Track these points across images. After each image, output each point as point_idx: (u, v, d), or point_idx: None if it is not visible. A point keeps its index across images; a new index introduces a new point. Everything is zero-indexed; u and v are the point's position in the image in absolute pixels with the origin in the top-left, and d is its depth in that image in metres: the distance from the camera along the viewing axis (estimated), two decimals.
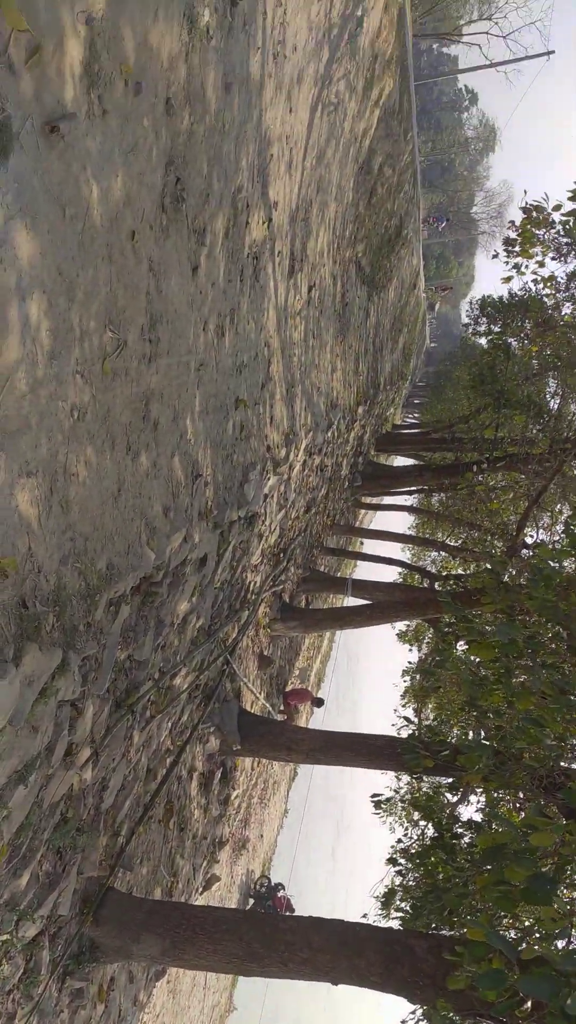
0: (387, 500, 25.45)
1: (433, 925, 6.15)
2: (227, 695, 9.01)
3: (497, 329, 18.63)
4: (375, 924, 6.86)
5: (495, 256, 13.09)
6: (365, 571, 23.33)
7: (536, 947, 5.69)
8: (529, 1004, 4.21)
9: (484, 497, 17.51)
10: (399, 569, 20.46)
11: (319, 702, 14.25)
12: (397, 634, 20.24)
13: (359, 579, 14.83)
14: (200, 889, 9.15)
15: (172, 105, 4.73)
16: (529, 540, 14.19)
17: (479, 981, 2.99)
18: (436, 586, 15.58)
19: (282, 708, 12.83)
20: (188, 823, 8.20)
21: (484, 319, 20.54)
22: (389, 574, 21.21)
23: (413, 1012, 8.08)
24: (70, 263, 3.72)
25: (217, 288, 6.14)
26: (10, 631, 3.40)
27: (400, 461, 30.24)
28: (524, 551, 13.17)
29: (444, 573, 19.55)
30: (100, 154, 3.91)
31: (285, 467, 9.55)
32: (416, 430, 33.21)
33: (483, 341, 21.48)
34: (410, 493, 24.03)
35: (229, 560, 7.69)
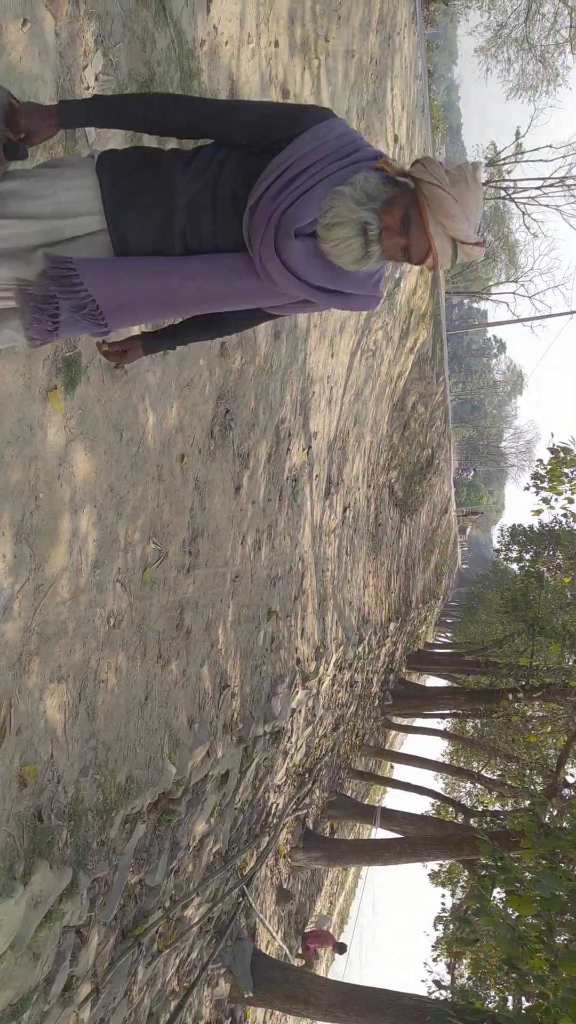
0: (419, 722, 24.60)
1: None
2: (241, 932, 8.29)
3: (529, 556, 18.95)
4: None
5: (527, 488, 13.67)
6: (395, 797, 22.11)
7: None
8: None
9: (521, 727, 16.87)
10: (431, 799, 19.36)
11: (342, 948, 12.95)
12: (429, 874, 18.71)
13: (389, 808, 14.02)
14: None
15: (226, 348, 5.29)
16: (570, 779, 13.47)
17: None
18: (472, 822, 14.62)
19: (300, 951, 11.67)
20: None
21: (515, 546, 20.98)
22: (420, 804, 20.04)
23: None
24: (122, 481, 4.02)
25: (257, 506, 6.47)
26: (22, 845, 3.27)
27: (432, 681, 29.61)
28: (565, 790, 12.47)
29: (480, 808, 18.42)
30: (159, 387, 4.35)
31: (314, 681, 9.44)
32: (449, 650, 32.78)
33: (515, 567, 21.78)
34: (443, 716, 23.25)
35: (252, 778, 7.41)
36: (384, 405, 14.08)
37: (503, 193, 37.63)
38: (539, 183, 35.77)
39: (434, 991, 11.40)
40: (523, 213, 37.63)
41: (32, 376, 3.18)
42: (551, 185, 35.18)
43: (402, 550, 21.74)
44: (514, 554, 20.65)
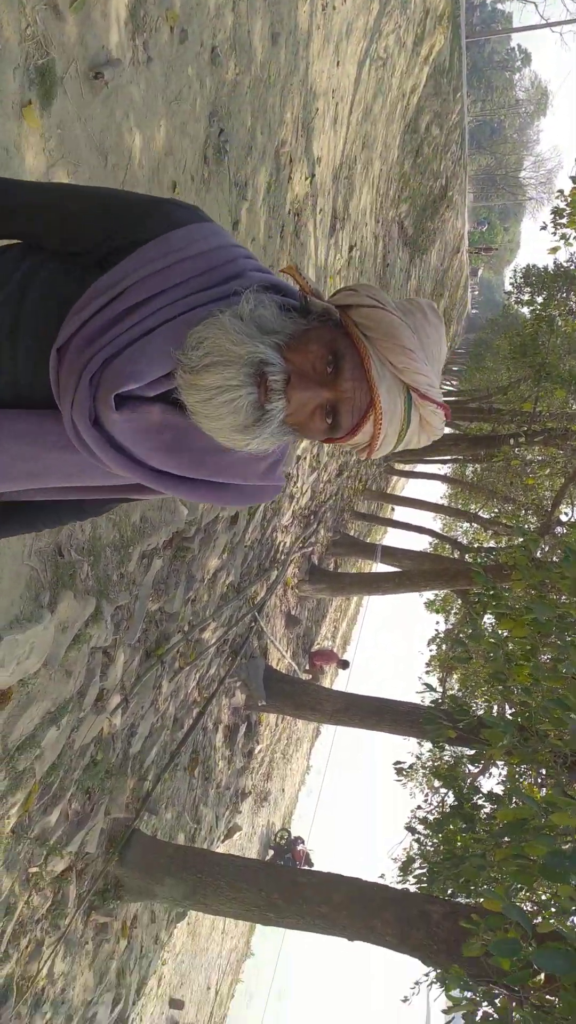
0: (420, 468, 25.30)
1: (449, 892, 6.24)
2: (254, 652, 9.14)
3: (540, 300, 18.24)
4: (392, 887, 6.99)
5: (543, 228, 12.78)
6: (395, 538, 23.32)
7: (552, 921, 5.77)
8: (542, 977, 4.28)
9: (520, 471, 17.31)
10: (430, 539, 20.39)
11: (345, 664, 14.39)
12: (425, 603, 20.25)
13: (389, 546, 14.84)
14: (222, 838, 9.39)
15: (218, 54, 4.67)
16: (564, 518, 14.04)
17: (494, 949, 3.04)
18: (467, 558, 15.53)
19: (307, 668, 12.98)
20: (212, 773, 8.39)
21: (528, 288, 20.12)
22: (419, 543, 21.18)
23: (427, 974, 8.25)
24: None
25: (257, 244, 6.09)
26: (46, 578, 3.48)
27: None
28: (558, 529, 13.04)
29: (476, 545, 19.45)
30: (144, 102, 3.89)
31: None
32: (454, 398, 32.84)
33: (525, 311, 21.06)
34: (444, 462, 23.81)
35: (260, 520, 7.75)
36: (395, 126, 12.78)
37: None
38: None
39: (424, 692, 12.78)
40: None
41: (2, 90, 2.83)
42: None
43: (411, 293, 20.95)
44: (526, 297, 19.88)
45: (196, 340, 1.07)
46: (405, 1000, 9.16)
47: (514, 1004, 4.45)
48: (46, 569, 3.44)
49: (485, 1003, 4.63)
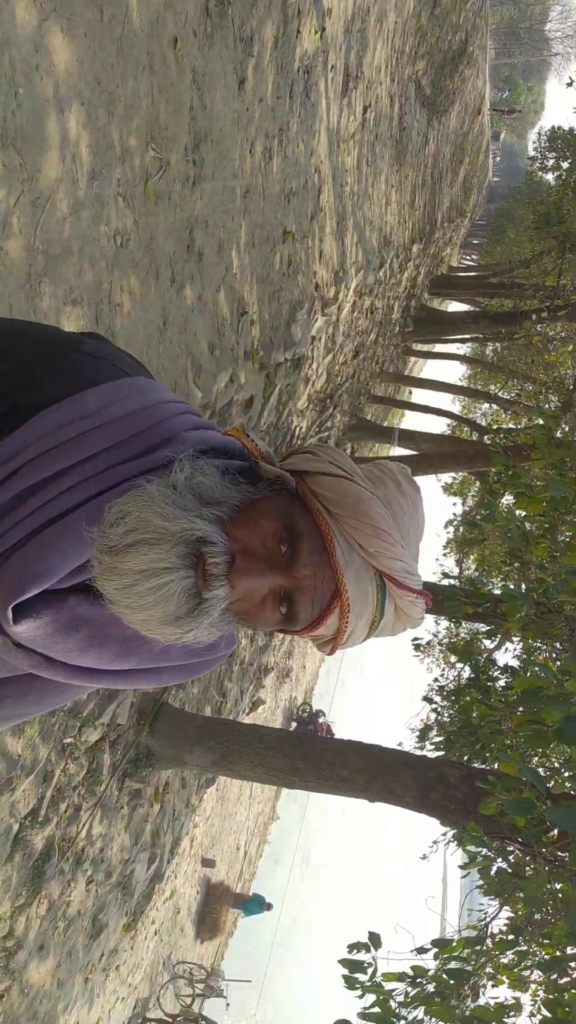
0: (439, 348, 24.75)
1: (465, 758, 6.50)
2: None
3: (566, 166, 17.24)
4: (410, 752, 7.31)
5: (570, 85, 11.92)
6: (413, 421, 23.10)
7: (566, 783, 6.03)
8: (555, 833, 4.49)
9: (541, 349, 16.90)
10: (448, 421, 20.18)
11: None
12: (442, 486, 20.26)
13: (407, 429, 14.71)
14: (247, 710, 9.82)
15: None
16: None
17: (509, 807, 3.17)
18: (486, 439, 15.40)
19: None
20: (236, 650, 8.68)
21: (552, 153, 19.00)
22: (438, 425, 20.99)
23: (444, 834, 8.74)
24: (109, 72, 3.50)
25: (265, 105, 5.74)
26: None
27: (455, 307, 29.12)
28: None
29: (495, 427, 19.24)
30: None
31: (334, 308, 9.28)
32: (473, 273, 31.66)
33: (550, 177, 19.96)
34: (463, 341, 23.24)
35: (275, 403, 7.66)
36: None
37: None
38: None
39: (442, 577, 13.00)
40: None
41: None
42: None
43: (428, 160, 19.86)
44: (550, 162, 18.81)
45: (117, 514, 0.87)
46: (424, 858, 9.77)
47: (527, 859, 4.73)
48: None
49: (500, 859, 4.91)
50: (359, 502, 0.95)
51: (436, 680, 11.82)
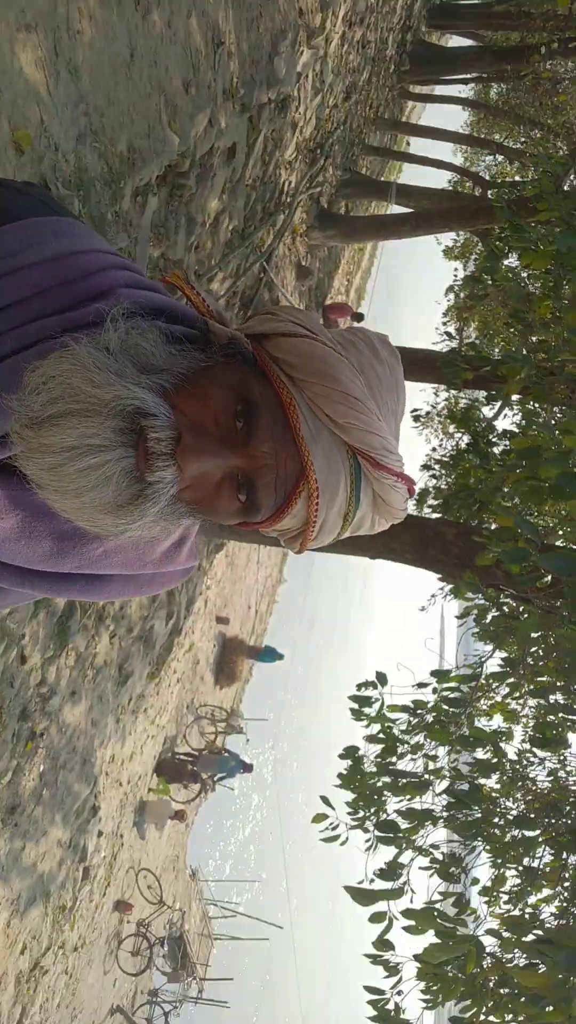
0: (439, 90, 22.46)
1: (462, 519, 6.73)
2: (265, 305, 8.96)
3: None
4: (410, 513, 7.53)
5: None
6: (411, 174, 21.53)
7: (560, 532, 6.26)
8: (548, 578, 4.72)
9: (550, 89, 15.40)
10: (449, 176, 18.82)
11: (359, 317, 14.17)
12: (443, 250, 19.30)
13: (404, 184, 13.73)
14: None
15: None
16: None
17: (504, 556, 3.30)
18: (489, 194, 14.40)
19: (321, 323, 12.82)
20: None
21: None
22: (438, 180, 19.60)
23: (442, 588, 9.25)
24: None
25: None
26: None
27: (456, 41, 26.05)
28: None
29: (499, 180, 17.98)
30: None
31: (321, 39, 8.28)
32: (477, 0, 27.94)
33: None
34: (465, 82, 21.09)
35: (260, 153, 7.07)
36: None
37: None
38: None
39: (443, 340, 12.73)
40: None
41: None
42: None
43: None
44: None
45: (39, 379, 0.73)
46: (422, 609, 10.48)
47: (520, 607, 5.04)
48: None
49: (494, 609, 5.24)
50: (325, 365, 0.80)
51: (434, 449, 12.00)
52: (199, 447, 0.75)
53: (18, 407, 0.72)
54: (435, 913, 2.89)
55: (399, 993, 3.30)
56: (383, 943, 3.31)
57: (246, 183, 6.87)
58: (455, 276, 17.46)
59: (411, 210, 12.65)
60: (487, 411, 9.68)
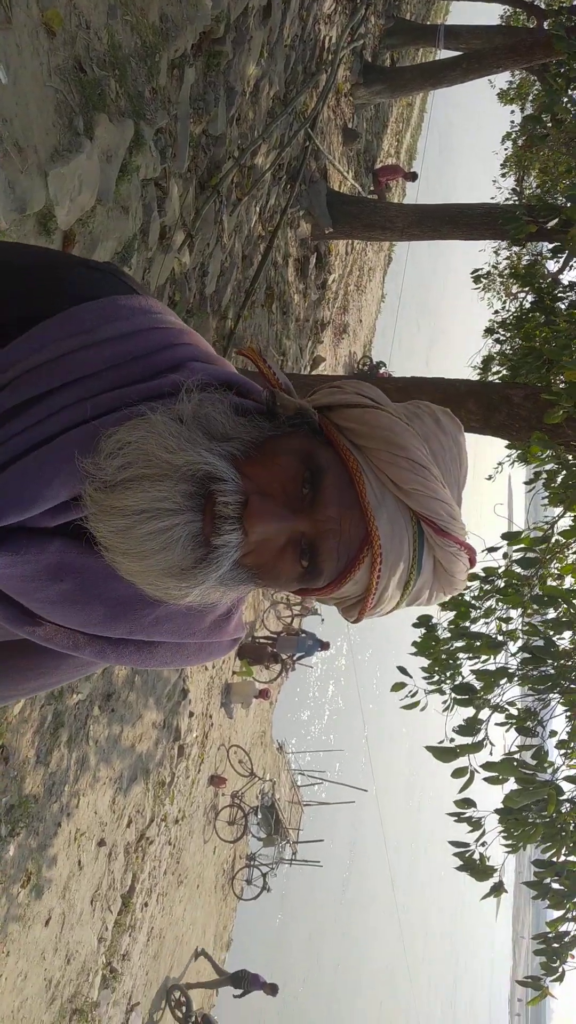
0: None
1: (531, 383, 6.56)
2: (313, 175, 8.59)
3: None
4: (474, 380, 7.38)
5: None
6: (459, 15, 19.77)
7: None
8: None
9: None
10: (500, 10, 17.22)
11: (413, 176, 13.44)
12: (498, 94, 17.92)
13: (452, 25, 12.65)
14: (308, 367, 9.98)
15: None
16: None
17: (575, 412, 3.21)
18: (546, 24, 13.16)
19: (372, 188, 12.23)
20: (290, 308, 8.58)
21: None
22: (489, 16, 17.95)
23: (509, 455, 9.12)
24: None
25: None
26: (75, 100, 3.18)
27: None
28: None
29: (556, 7, 16.35)
30: None
31: None
32: None
33: None
34: None
35: (297, 8, 6.61)
36: None
37: None
38: None
39: (506, 199, 12.03)
40: None
41: None
42: None
43: None
44: None
45: (115, 445, 0.76)
46: (489, 478, 10.41)
47: None
48: (71, 90, 3.13)
49: (563, 471, 5.16)
50: (391, 432, 0.81)
51: (497, 312, 11.56)
52: (265, 511, 0.77)
53: (93, 470, 0.76)
54: (515, 762, 3.05)
55: (483, 844, 3.54)
56: (464, 801, 3.52)
57: (284, 43, 6.47)
58: (512, 122, 16.29)
59: (461, 52, 11.71)
60: (551, 265, 9.23)
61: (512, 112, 16.03)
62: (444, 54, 12.31)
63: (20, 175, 2.72)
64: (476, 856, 3.49)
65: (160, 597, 0.79)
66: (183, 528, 0.75)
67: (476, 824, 3.52)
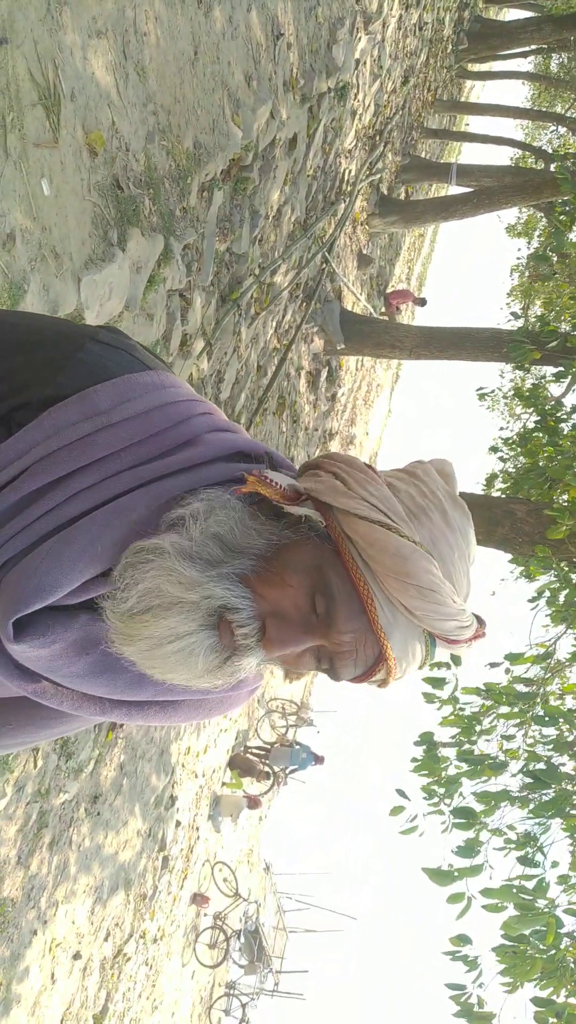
0: (497, 67, 22.00)
1: (533, 499, 6.65)
2: (328, 295, 8.98)
3: None
4: (476, 494, 7.48)
5: None
6: (472, 155, 21.17)
7: None
8: None
9: None
10: (510, 153, 18.46)
11: (422, 302, 14.05)
12: (505, 228, 18.96)
13: (465, 164, 13.53)
14: None
15: None
16: None
17: None
18: (552, 167, 14.06)
19: (383, 309, 12.76)
20: (299, 417, 8.80)
21: None
22: (499, 157, 19.20)
23: (512, 570, 9.12)
24: None
25: None
26: (111, 214, 3.37)
27: (514, 14, 25.43)
28: None
29: (563, 152, 17.54)
30: None
31: (378, 24, 8.24)
32: None
33: None
34: (525, 56, 20.60)
35: (321, 142, 7.09)
36: None
37: None
38: None
39: (510, 321, 12.52)
40: None
41: None
42: None
43: None
44: None
45: (129, 581, 0.81)
46: (493, 594, 10.37)
47: None
48: (108, 205, 3.32)
49: (567, 589, 5.14)
50: (399, 560, 0.81)
51: (501, 430, 11.84)
52: (282, 637, 0.82)
53: (111, 603, 0.81)
54: (513, 889, 2.92)
55: (480, 986, 3.33)
56: (460, 937, 3.35)
57: (307, 173, 6.91)
58: (518, 254, 17.09)
59: (472, 189, 12.47)
60: (555, 389, 9.50)
61: (519, 250, 16.91)
62: (456, 190, 13.11)
63: (55, 279, 2.86)
64: (474, 999, 3.28)
65: (187, 684, 0.84)
66: (201, 644, 0.80)
67: (472, 964, 3.32)
